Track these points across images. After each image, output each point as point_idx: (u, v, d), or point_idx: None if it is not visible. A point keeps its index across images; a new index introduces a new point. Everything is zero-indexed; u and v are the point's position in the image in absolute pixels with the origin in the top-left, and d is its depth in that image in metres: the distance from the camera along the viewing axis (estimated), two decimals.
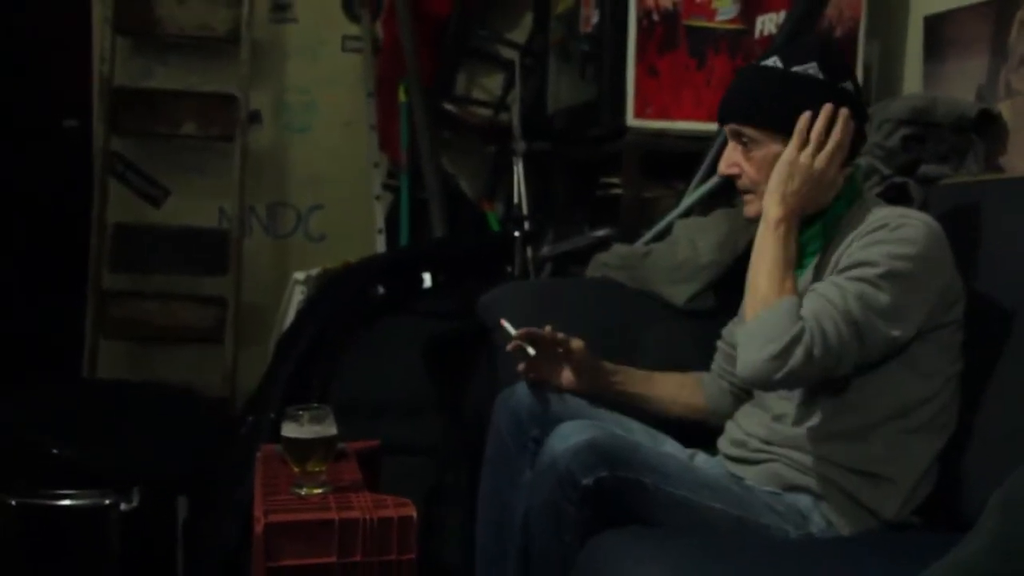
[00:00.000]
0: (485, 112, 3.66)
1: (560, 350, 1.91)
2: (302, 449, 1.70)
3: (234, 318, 3.47)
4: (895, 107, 2.25)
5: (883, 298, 1.57)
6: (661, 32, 2.66)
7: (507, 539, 1.80)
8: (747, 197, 1.77)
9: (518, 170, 3.24)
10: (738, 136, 1.75)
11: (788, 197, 1.65)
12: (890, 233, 1.61)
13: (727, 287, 2.13)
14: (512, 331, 1.88)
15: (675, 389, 2.00)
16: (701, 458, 1.86)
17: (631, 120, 2.69)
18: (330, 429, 1.71)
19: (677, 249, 2.29)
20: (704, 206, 2.48)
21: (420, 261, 2.89)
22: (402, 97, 3.45)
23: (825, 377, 1.60)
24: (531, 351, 1.86)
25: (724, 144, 2.46)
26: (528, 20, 3.67)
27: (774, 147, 1.70)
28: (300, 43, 3.69)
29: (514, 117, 3.33)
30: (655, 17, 2.66)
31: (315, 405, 1.75)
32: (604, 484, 1.58)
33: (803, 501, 1.66)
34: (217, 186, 3.60)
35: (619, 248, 2.44)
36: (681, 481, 1.64)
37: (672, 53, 2.68)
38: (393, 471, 2.11)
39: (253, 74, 3.52)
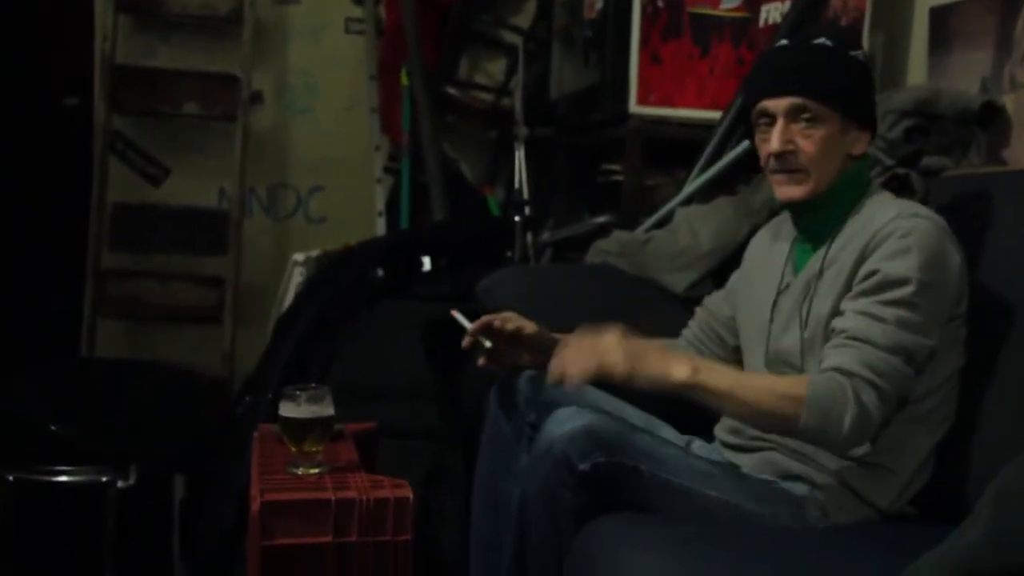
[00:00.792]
0: (487, 97, 3.65)
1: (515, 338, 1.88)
2: (299, 429, 1.70)
3: (233, 299, 3.47)
4: (899, 98, 2.24)
5: (919, 316, 1.57)
6: (665, 19, 2.66)
7: (503, 524, 1.79)
8: (797, 176, 1.68)
9: (519, 155, 3.23)
10: (798, 112, 1.66)
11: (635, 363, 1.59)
12: (900, 241, 1.59)
13: (727, 275, 2.13)
14: (466, 324, 1.87)
15: None
16: (697, 444, 1.86)
17: (634, 107, 2.69)
18: (327, 409, 1.71)
19: (677, 237, 2.29)
20: (705, 194, 2.48)
21: (420, 244, 2.88)
22: (404, 80, 3.44)
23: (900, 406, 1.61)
24: (487, 344, 1.84)
25: (731, 129, 2.49)
26: (532, 5, 3.66)
27: (833, 127, 1.67)
28: (303, 24, 3.68)
29: (516, 102, 3.33)
30: (659, 4, 2.66)
31: (313, 385, 1.75)
32: (600, 470, 1.58)
33: (799, 489, 1.66)
34: (218, 166, 3.59)
35: (619, 235, 2.44)
36: (677, 468, 1.64)
37: (676, 40, 2.67)
38: (391, 454, 2.11)
39: (255, 55, 3.52)
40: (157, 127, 3.61)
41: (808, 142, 1.66)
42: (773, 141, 1.68)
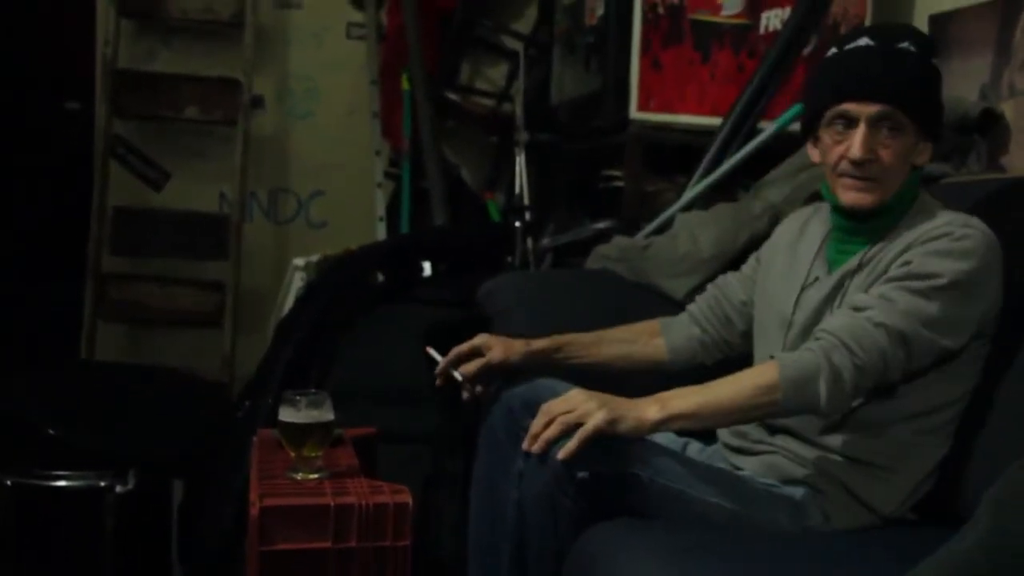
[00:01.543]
0: (488, 102, 3.65)
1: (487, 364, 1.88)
2: (298, 434, 1.70)
3: (233, 303, 3.47)
4: None
5: (935, 309, 1.56)
6: (666, 25, 2.66)
7: (500, 529, 1.78)
8: (870, 185, 1.65)
9: (520, 161, 3.23)
10: (883, 119, 1.62)
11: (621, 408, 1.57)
12: (952, 243, 1.59)
13: None
14: (439, 358, 1.87)
15: (626, 347, 1.97)
16: (694, 448, 1.85)
17: (634, 113, 2.69)
18: (327, 414, 1.71)
19: (678, 242, 2.29)
20: (705, 200, 2.48)
21: (420, 249, 2.89)
22: (405, 85, 3.44)
23: (875, 386, 1.59)
24: (458, 376, 1.85)
25: (732, 135, 2.49)
26: (533, 11, 3.67)
27: (910, 138, 1.64)
28: (304, 29, 3.69)
29: (517, 107, 3.32)
30: (660, 10, 2.66)
31: (312, 390, 1.75)
32: (600, 477, 1.57)
33: (801, 494, 1.66)
34: (218, 171, 3.60)
35: (619, 240, 2.44)
36: (677, 474, 1.63)
37: (677, 47, 2.67)
38: (390, 459, 2.11)
39: (256, 59, 3.53)
40: (158, 131, 3.61)
41: (888, 152, 1.63)
42: (855, 147, 1.62)
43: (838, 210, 1.74)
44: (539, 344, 1.92)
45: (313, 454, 1.71)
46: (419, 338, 2.44)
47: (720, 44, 2.68)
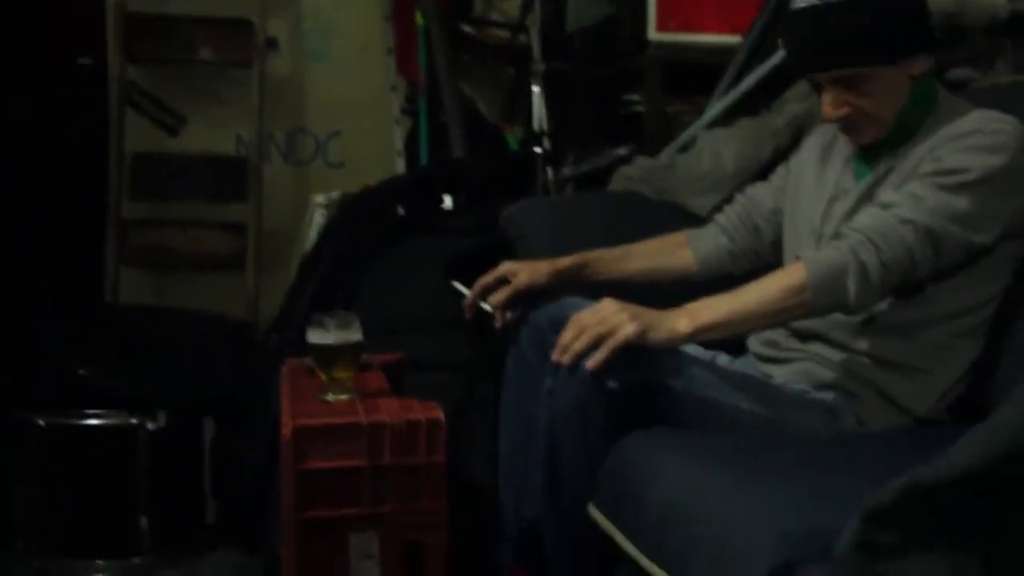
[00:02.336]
0: (503, 33, 3.60)
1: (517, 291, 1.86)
2: (328, 355, 1.70)
3: (255, 245, 3.46)
4: None
5: (965, 204, 1.54)
6: None
7: (532, 449, 1.79)
8: (861, 127, 1.67)
9: (537, 91, 3.20)
10: (841, 80, 1.63)
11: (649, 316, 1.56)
12: (983, 138, 1.56)
13: None
14: (465, 291, 1.85)
15: (654, 259, 1.96)
16: (723, 360, 1.83)
17: (653, 34, 2.66)
18: (356, 335, 1.71)
19: (701, 160, 2.27)
20: (727, 116, 2.45)
21: (440, 181, 2.87)
22: (419, 20, 3.40)
23: (903, 283, 1.58)
24: (487, 308, 1.83)
25: (752, 52, 2.45)
26: None
27: (886, 73, 1.62)
28: None
29: (533, 38, 3.29)
30: None
31: (340, 311, 1.74)
32: (630, 388, 1.57)
33: (833, 398, 1.65)
34: (234, 113, 3.57)
35: (642, 160, 2.42)
36: (709, 382, 1.62)
37: None
38: (419, 387, 2.10)
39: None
40: (172, 76, 3.58)
41: (864, 99, 1.63)
42: (825, 111, 1.65)
43: None
44: (565, 262, 1.91)
45: (343, 375, 1.71)
46: (443, 269, 2.44)
47: None
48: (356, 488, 1.61)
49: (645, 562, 1.36)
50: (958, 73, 2.13)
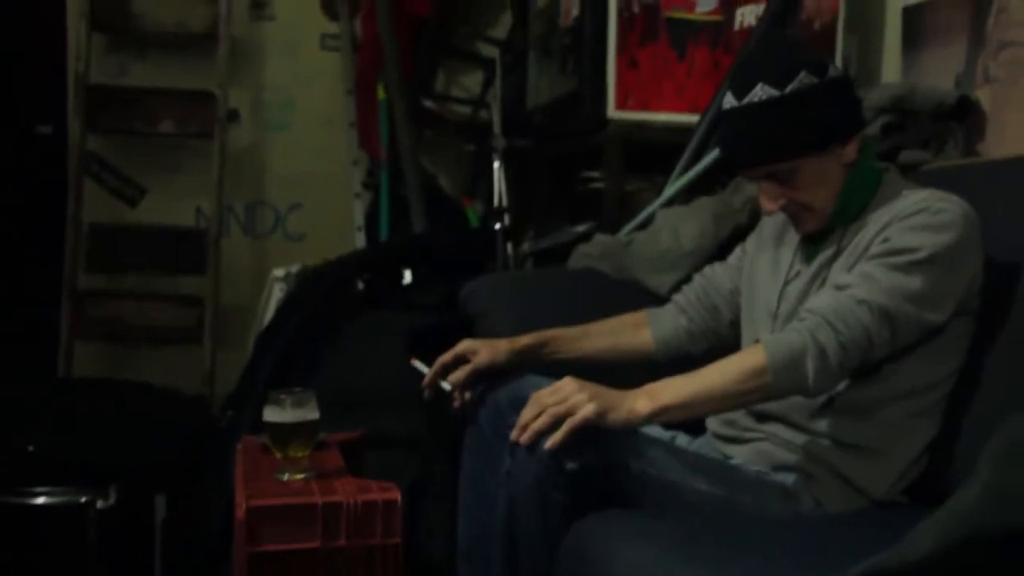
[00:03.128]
0: (465, 109, 3.65)
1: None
2: (284, 433, 1.68)
3: (212, 318, 3.44)
4: (874, 95, 2.25)
5: (917, 284, 1.55)
6: (641, 23, 2.66)
7: (490, 530, 1.77)
8: (802, 216, 1.70)
9: (498, 166, 3.23)
10: (771, 175, 1.66)
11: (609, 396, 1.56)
12: (930, 217, 1.58)
13: None
14: (424, 370, 1.85)
15: (613, 338, 1.95)
16: (682, 440, 1.83)
17: (612, 112, 2.69)
18: (312, 413, 1.69)
19: (660, 238, 2.28)
20: (685, 195, 2.48)
21: (400, 256, 2.87)
22: (381, 95, 3.43)
23: (861, 364, 1.59)
24: (446, 387, 1.83)
25: (710, 131, 2.49)
26: (507, 17, 3.67)
27: (815, 164, 1.65)
28: (279, 41, 3.68)
29: (494, 114, 3.32)
30: (635, 9, 2.66)
31: (297, 389, 1.73)
32: (589, 467, 1.56)
33: (792, 480, 1.65)
34: (194, 185, 3.57)
35: (601, 238, 2.43)
36: (667, 464, 1.62)
37: (653, 44, 2.68)
38: (376, 464, 2.08)
39: (231, 72, 3.51)
40: (133, 146, 3.59)
41: (799, 191, 1.66)
42: (763, 204, 1.70)
43: None
44: (524, 341, 1.90)
45: (299, 454, 1.70)
46: (402, 345, 2.43)
47: (696, 41, 2.68)
48: (311, 570, 1.59)
49: None
50: (910, 156, 2.17)
